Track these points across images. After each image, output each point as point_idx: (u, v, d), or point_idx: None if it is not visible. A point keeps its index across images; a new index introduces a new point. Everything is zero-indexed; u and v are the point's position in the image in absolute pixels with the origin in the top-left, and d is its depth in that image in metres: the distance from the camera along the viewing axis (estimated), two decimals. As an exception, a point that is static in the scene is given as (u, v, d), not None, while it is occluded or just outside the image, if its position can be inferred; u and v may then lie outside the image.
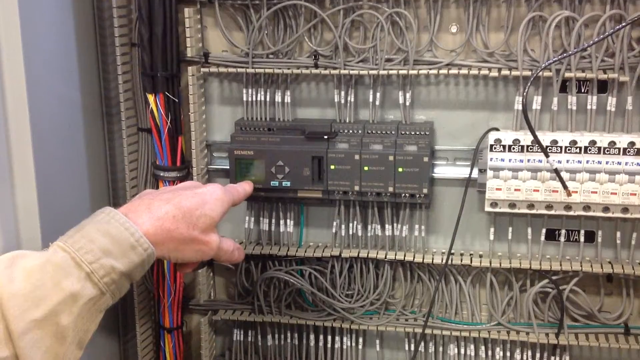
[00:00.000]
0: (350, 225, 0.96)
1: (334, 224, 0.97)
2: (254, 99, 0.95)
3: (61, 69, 0.89)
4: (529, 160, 0.87)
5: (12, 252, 0.63)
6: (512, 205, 0.89)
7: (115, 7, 0.93)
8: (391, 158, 0.90)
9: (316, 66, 0.92)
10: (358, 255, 0.96)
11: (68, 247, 0.62)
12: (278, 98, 0.95)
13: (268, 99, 0.95)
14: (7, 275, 0.60)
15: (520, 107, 0.87)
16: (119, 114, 0.98)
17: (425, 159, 0.89)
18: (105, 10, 0.95)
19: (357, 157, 0.90)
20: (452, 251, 0.94)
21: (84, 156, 0.95)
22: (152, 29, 0.90)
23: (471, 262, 0.94)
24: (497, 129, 0.90)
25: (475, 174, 0.91)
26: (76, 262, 0.61)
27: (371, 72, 0.91)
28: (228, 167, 0.95)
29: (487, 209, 0.90)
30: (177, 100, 0.93)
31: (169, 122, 0.92)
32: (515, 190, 0.87)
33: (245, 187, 0.87)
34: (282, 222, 0.98)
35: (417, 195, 0.91)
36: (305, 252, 0.97)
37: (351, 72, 0.91)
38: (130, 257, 0.64)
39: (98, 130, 0.99)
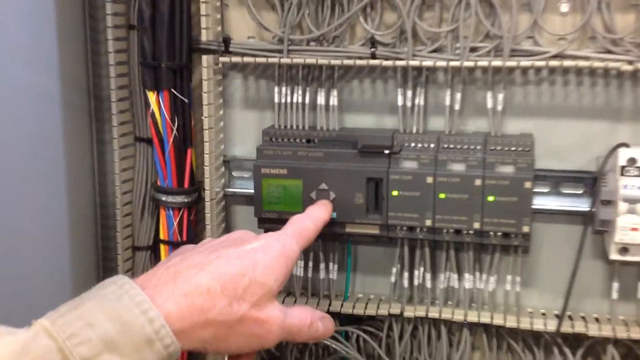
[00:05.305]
0: (416, 273, 0.74)
1: (394, 270, 0.75)
2: (289, 100, 0.74)
3: (33, 55, 0.72)
4: (678, 190, 0.62)
5: None
6: (650, 251, 0.65)
7: (108, -23, 0.75)
8: (478, 182, 0.67)
9: (373, 56, 0.71)
10: (426, 314, 0.74)
11: (56, 332, 0.46)
12: (321, 100, 0.74)
13: (307, 100, 0.74)
14: None
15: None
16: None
17: (527, 185, 0.66)
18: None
19: (429, 180, 0.68)
20: (556, 312, 0.71)
21: (63, 174, 0.77)
22: (157, 7, 0.72)
23: (587, 330, 0.69)
24: (627, 145, 0.66)
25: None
26: (64, 355, 0.45)
27: (451, 64, 0.68)
28: (252, 190, 0.74)
29: (614, 256, 0.66)
30: (186, 100, 0.75)
31: (175, 129, 0.74)
32: (657, 231, 0.63)
33: (319, 215, 0.67)
34: (322, 265, 0.77)
35: (514, 235, 0.67)
36: (354, 307, 0.76)
37: (423, 63, 0.69)
38: (143, 355, 0.48)
39: (84, 139, 0.80)
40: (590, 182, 0.69)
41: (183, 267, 0.54)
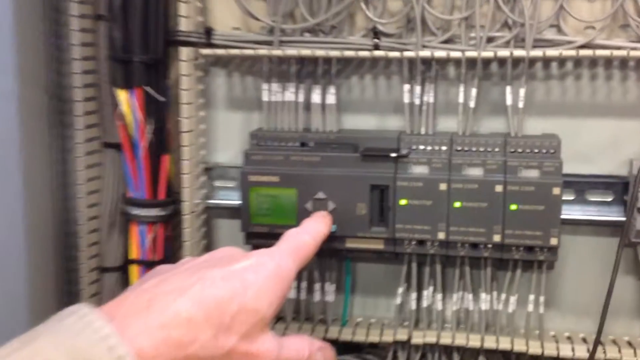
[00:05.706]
0: (425, 293, 0.66)
1: (400, 290, 0.66)
2: (280, 98, 0.66)
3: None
4: None
5: None
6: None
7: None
8: (499, 189, 0.59)
9: (377, 47, 0.63)
10: (437, 340, 0.65)
11: None
12: (316, 98, 0.66)
13: (301, 99, 0.66)
14: None
15: None
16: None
17: (556, 191, 0.58)
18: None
19: (442, 186, 0.60)
20: (582, 335, 0.64)
21: (19, 185, 0.68)
22: (128, -7, 0.65)
23: (621, 355, 0.62)
24: (665, 146, 0.59)
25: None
26: None
27: (467, 54, 0.61)
28: (238, 201, 0.66)
29: (654, 272, 0.58)
30: (163, 99, 0.67)
31: (149, 133, 0.67)
32: None
33: (318, 229, 0.58)
34: (317, 286, 0.69)
35: (539, 249, 0.60)
36: (354, 333, 0.67)
37: (435, 54, 0.61)
38: None
39: (44, 145, 0.71)
40: (621, 188, 0.62)
41: (159, 292, 0.46)
